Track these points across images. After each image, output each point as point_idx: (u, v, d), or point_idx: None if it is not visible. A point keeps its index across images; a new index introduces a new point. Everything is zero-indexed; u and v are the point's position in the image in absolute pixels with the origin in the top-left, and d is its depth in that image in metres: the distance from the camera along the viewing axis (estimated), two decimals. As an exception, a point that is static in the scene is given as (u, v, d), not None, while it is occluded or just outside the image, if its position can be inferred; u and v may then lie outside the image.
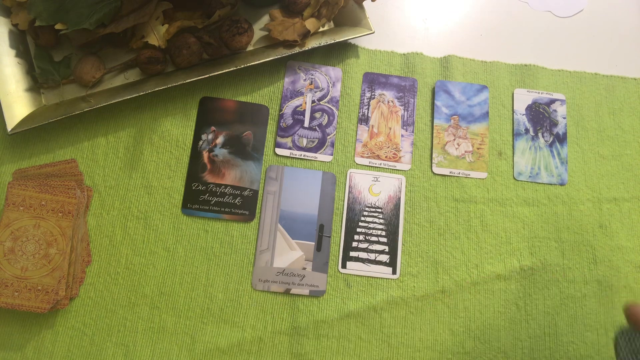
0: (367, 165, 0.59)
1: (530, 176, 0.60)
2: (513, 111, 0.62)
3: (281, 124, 0.59)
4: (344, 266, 0.55)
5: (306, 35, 0.58)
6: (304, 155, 0.58)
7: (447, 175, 0.59)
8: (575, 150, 0.61)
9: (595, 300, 0.56)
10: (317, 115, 0.60)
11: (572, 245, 0.58)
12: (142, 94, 0.54)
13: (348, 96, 0.61)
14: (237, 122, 0.59)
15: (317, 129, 0.59)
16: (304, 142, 0.59)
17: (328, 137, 0.59)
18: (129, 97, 0.54)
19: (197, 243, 0.55)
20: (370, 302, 0.54)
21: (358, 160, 0.59)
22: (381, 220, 0.57)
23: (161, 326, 0.52)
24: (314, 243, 0.56)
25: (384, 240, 0.56)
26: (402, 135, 0.60)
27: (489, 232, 0.58)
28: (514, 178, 0.60)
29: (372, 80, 0.62)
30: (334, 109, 0.60)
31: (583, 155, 0.61)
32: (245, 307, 0.54)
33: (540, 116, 0.62)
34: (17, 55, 0.56)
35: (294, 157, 0.58)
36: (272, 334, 0.53)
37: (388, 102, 0.61)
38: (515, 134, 0.61)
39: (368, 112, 0.61)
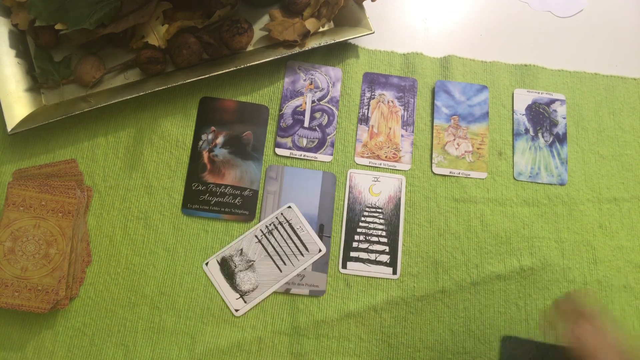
0: (367, 165, 0.59)
1: (530, 176, 0.60)
2: (513, 111, 0.62)
3: (281, 124, 0.59)
4: (344, 266, 0.55)
5: (306, 35, 0.58)
6: (304, 155, 0.58)
7: (447, 175, 0.59)
8: (575, 150, 0.61)
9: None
10: (317, 115, 0.60)
11: (572, 245, 0.58)
12: (142, 94, 0.54)
13: (348, 96, 0.61)
14: (237, 122, 0.59)
15: (317, 129, 0.59)
16: (304, 142, 0.59)
17: (328, 137, 0.59)
18: (129, 97, 0.54)
19: (197, 243, 0.55)
20: (370, 302, 0.54)
21: (358, 160, 0.59)
22: (381, 221, 0.57)
23: (161, 326, 0.52)
24: (314, 243, 0.56)
25: (384, 240, 0.56)
26: (402, 135, 0.60)
27: (489, 232, 0.58)
28: (514, 178, 0.60)
29: (372, 80, 0.62)
30: (334, 109, 0.60)
31: (583, 155, 0.61)
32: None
33: (540, 116, 0.62)
34: (17, 55, 0.56)
35: (294, 157, 0.58)
36: (272, 334, 0.53)
37: (388, 102, 0.61)
38: (515, 134, 0.61)
39: (368, 112, 0.61)
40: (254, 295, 0.53)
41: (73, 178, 0.55)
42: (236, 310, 0.53)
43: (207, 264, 0.54)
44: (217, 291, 0.53)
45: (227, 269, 0.54)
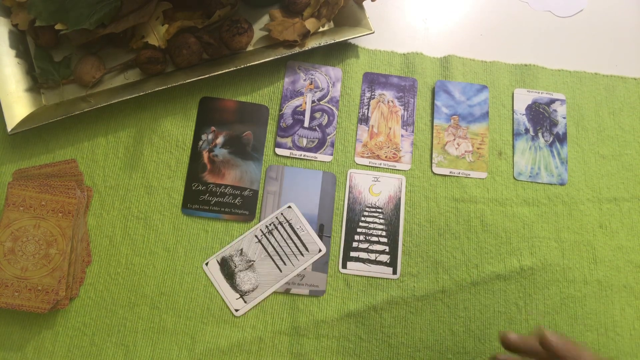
0: (367, 165, 0.59)
1: (530, 176, 0.60)
2: (513, 111, 0.62)
3: (281, 124, 0.59)
4: (344, 266, 0.55)
5: (306, 35, 0.58)
6: (304, 155, 0.58)
7: (447, 175, 0.59)
8: (575, 150, 0.61)
9: (595, 300, 0.56)
10: (317, 115, 0.60)
11: (572, 245, 0.58)
12: (142, 94, 0.54)
13: (348, 96, 0.61)
14: (237, 122, 0.59)
15: (317, 129, 0.59)
16: (304, 142, 0.59)
17: (328, 137, 0.59)
18: (129, 97, 0.54)
19: (197, 243, 0.55)
20: (370, 302, 0.54)
21: (358, 160, 0.59)
22: (381, 221, 0.57)
23: (161, 326, 0.52)
24: (314, 243, 0.56)
25: (384, 240, 0.56)
26: (402, 135, 0.60)
27: (489, 232, 0.58)
28: (514, 178, 0.60)
29: (372, 80, 0.62)
30: (334, 109, 0.60)
31: (583, 155, 0.61)
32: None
33: (540, 116, 0.62)
34: (17, 55, 0.56)
35: (294, 157, 0.58)
36: (272, 334, 0.53)
37: (388, 102, 0.61)
38: (515, 134, 0.61)
39: (368, 112, 0.61)
40: (254, 295, 0.53)
41: (73, 178, 0.55)
42: (236, 310, 0.53)
43: (207, 264, 0.54)
44: (217, 291, 0.53)
45: (227, 269, 0.54)
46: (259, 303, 0.53)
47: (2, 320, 0.51)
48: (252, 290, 0.53)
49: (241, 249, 0.54)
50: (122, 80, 0.59)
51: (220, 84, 0.60)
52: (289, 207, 0.56)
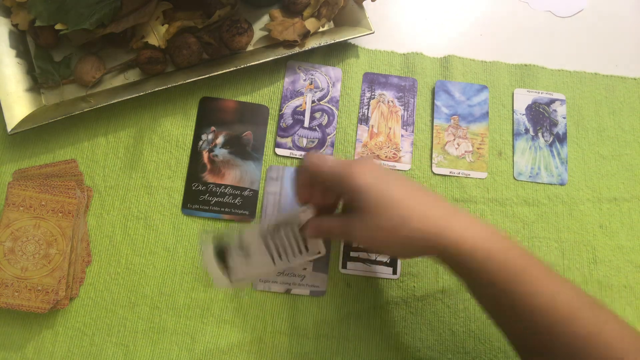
0: (367, 165, 0.59)
1: (530, 176, 0.60)
2: (513, 111, 0.62)
3: (281, 124, 0.59)
4: (344, 266, 0.55)
5: (306, 35, 0.58)
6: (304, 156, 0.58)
7: (447, 175, 0.59)
8: (575, 150, 0.61)
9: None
10: (317, 115, 0.60)
11: (572, 245, 0.58)
12: (142, 94, 0.54)
13: (348, 96, 0.61)
14: (237, 122, 0.59)
15: (317, 129, 0.59)
16: (304, 142, 0.59)
17: (328, 137, 0.59)
18: (129, 97, 0.54)
19: (197, 243, 0.55)
20: (370, 302, 0.54)
21: (358, 160, 0.59)
22: (381, 220, 0.57)
23: (161, 326, 0.52)
24: (314, 243, 0.56)
25: (384, 240, 0.56)
26: (402, 135, 0.60)
27: (489, 232, 0.57)
28: (514, 178, 0.60)
29: (372, 80, 0.62)
30: (334, 109, 0.60)
31: (583, 155, 0.61)
32: (245, 307, 0.54)
33: (540, 116, 0.62)
34: (17, 55, 0.56)
35: (294, 157, 0.58)
36: (272, 334, 0.53)
37: (388, 102, 0.61)
38: (515, 134, 0.61)
39: (368, 112, 0.61)
40: (245, 283, 0.53)
41: (73, 178, 0.55)
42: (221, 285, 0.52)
43: (204, 254, 0.53)
44: (211, 278, 0.52)
45: (222, 255, 0.53)
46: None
47: (2, 320, 0.51)
48: (244, 279, 0.53)
49: (240, 243, 0.53)
50: (122, 80, 0.59)
51: (220, 84, 0.60)
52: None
